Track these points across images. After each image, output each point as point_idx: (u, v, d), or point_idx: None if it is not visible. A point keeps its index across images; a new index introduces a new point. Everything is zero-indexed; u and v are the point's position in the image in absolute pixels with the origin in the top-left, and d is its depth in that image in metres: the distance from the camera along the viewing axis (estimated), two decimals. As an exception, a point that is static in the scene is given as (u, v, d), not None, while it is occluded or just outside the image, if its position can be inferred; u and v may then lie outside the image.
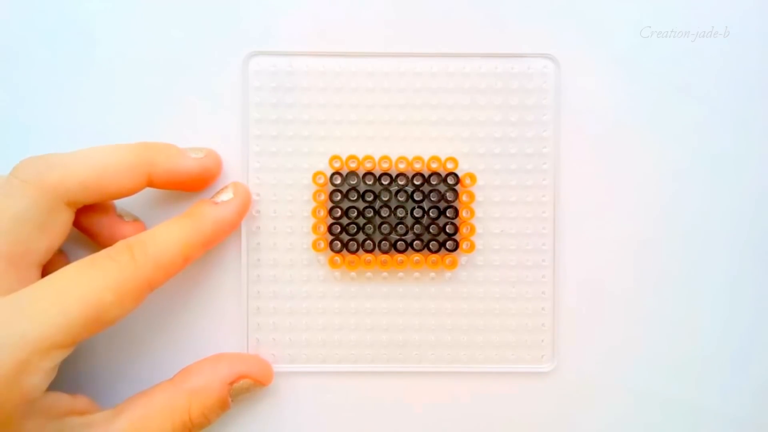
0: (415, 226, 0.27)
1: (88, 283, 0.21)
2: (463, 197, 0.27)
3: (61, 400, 0.23)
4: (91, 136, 0.27)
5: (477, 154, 0.27)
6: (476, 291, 0.27)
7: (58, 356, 0.21)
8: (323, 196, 0.27)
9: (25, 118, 0.27)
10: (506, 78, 0.27)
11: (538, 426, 0.27)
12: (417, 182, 0.27)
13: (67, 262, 0.26)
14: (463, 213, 0.27)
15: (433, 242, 0.27)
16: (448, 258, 0.27)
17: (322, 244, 0.27)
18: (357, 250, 0.27)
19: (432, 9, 0.27)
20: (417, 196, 0.27)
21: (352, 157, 0.27)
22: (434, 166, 0.27)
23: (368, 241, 0.27)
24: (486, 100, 0.27)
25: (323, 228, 0.27)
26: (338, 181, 0.27)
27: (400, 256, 0.27)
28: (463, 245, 0.27)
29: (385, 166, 0.27)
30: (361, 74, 0.27)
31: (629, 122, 0.27)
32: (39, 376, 0.20)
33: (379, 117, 0.27)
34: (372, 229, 0.27)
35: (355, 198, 0.27)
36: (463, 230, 0.27)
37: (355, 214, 0.26)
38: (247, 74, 0.27)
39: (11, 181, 0.22)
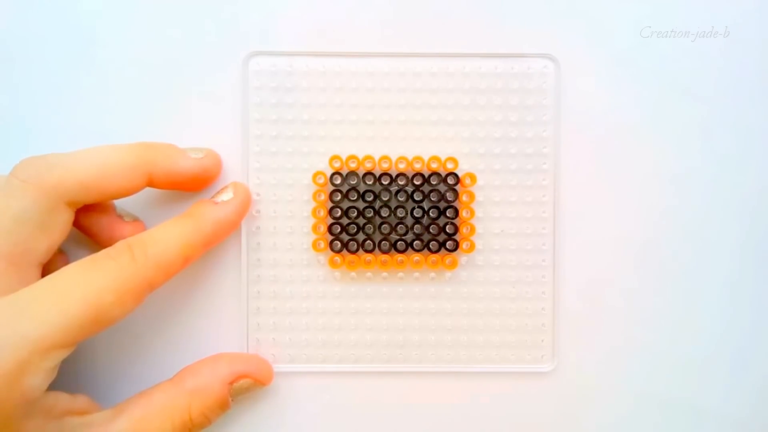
0: (415, 226, 0.27)
1: (89, 283, 0.21)
2: (463, 197, 0.27)
3: (61, 400, 0.22)
4: (91, 136, 0.27)
5: (477, 154, 0.27)
6: (476, 291, 0.27)
7: (59, 356, 0.21)
8: (323, 196, 0.27)
9: (25, 118, 0.27)
10: (506, 78, 0.27)
11: (538, 426, 0.27)
12: (417, 182, 0.27)
13: (67, 262, 0.26)
14: (463, 213, 0.27)
15: (433, 242, 0.27)
16: (448, 258, 0.27)
17: (322, 244, 0.27)
18: (357, 250, 0.27)
19: (432, 9, 0.27)
20: (417, 196, 0.27)
21: (352, 157, 0.27)
22: (434, 166, 0.27)
23: (368, 241, 0.27)
24: (486, 100, 0.27)
25: (323, 228, 0.27)
26: (338, 181, 0.27)
27: (400, 256, 0.27)
28: (463, 245, 0.27)
29: (385, 166, 0.27)
30: (361, 74, 0.27)
31: (629, 122, 0.27)
32: (39, 376, 0.20)
33: (379, 117, 0.27)
34: (372, 229, 0.27)
35: (355, 198, 0.27)
36: (463, 230, 0.27)
37: (355, 214, 0.26)
38: (247, 74, 0.27)
39: (11, 181, 0.22)
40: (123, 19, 0.27)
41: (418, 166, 0.27)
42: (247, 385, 0.26)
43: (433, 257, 0.27)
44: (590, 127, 0.27)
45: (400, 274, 0.27)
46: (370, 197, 0.26)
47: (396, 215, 0.27)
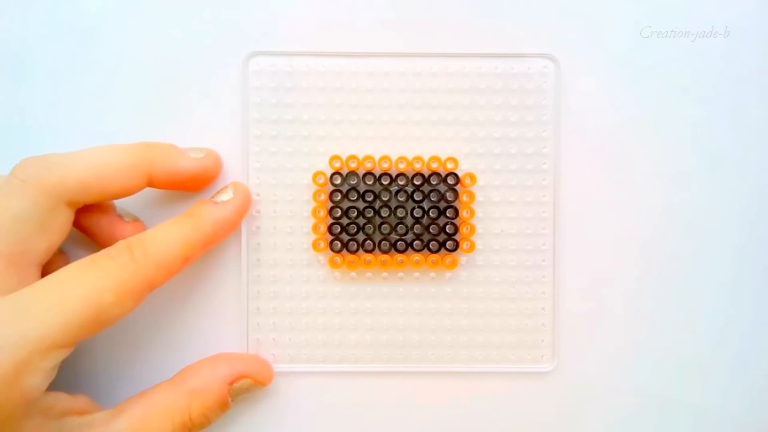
0: (415, 226, 0.27)
1: (88, 283, 0.21)
2: (463, 197, 0.27)
3: (61, 399, 0.22)
4: (91, 136, 0.27)
5: (477, 154, 0.27)
6: (476, 291, 0.27)
7: (58, 356, 0.21)
8: (323, 196, 0.27)
9: (25, 118, 0.27)
10: (506, 78, 0.27)
11: (538, 426, 0.27)
12: (417, 182, 0.27)
13: (67, 262, 0.25)
14: (463, 213, 0.27)
15: (433, 242, 0.27)
16: (448, 258, 0.27)
17: (322, 244, 0.27)
18: (357, 250, 0.27)
19: (432, 9, 0.27)
20: (417, 196, 0.27)
21: (352, 157, 0.27)
22: (434, 166, 0.27)
23: (368, 241, 0.27)
24: (486, 100, 0.27)
25: (323, 228, 0.27)
26: (338, 181, 0.27)
27: (400, 256, 0.27)
28: (463, 245, 0.27)
29: (385, 166, 0.27)
30: (361, 74, 0.27)
31: (629, 122, 0.27)
32: (39, 376, 0.20)
33: (379, 117, 0.27)
34: (372, 229, 0.27)
35: (355, 198, 0.27)
36: (463, 230, 0.27)
37: (355, 214, 0.26)
38: (247, 74, 0.27)
39: (11, 181, 0.22)
40: (123, 19, 0.27)
41: (418, 166, 0.27)
42: (247, 386, 0.26)
43: (433, 257, 0.27)
44: (590, 127, 0.27)
45: (400, 274, 0.27)
46: (370, 197, 0.26)
47: (396, 215, 0.27)
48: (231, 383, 0.25)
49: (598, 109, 0.27)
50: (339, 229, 0.26)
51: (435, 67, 0.27)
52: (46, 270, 0.23)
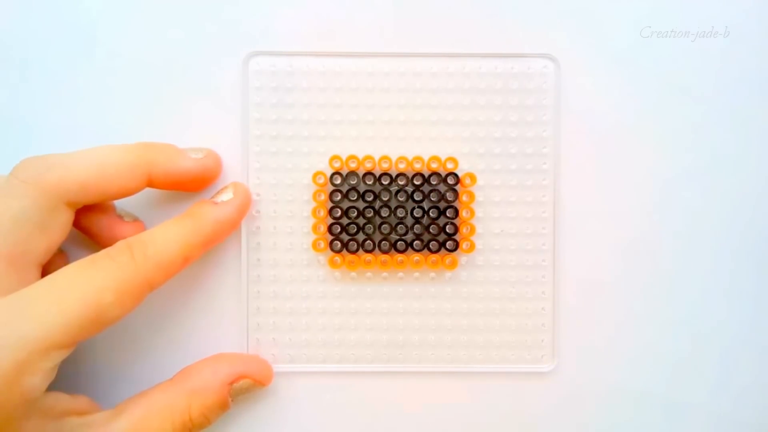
0: (415, 226, 0.27)
1: (88, 283, 0.21)
2: (463, 197, 0.27)
3: (61, 400, 0.23)
4: (91, 136, 0.27)
5: (477, 154, 0.27)
6: (476, 291, 0.27)
7: (58, 356, 0.21)
8: (323, 196, 0.27)
9: (25, 118, 0.27)
10: (506, 78, 0.27)
11: (538, 426, 0.27)
12: (417, 182, 0.27)
13: (67, 262, 0.26)
14: (463, 213, 0.27)
15: (433, 242, 0.27)
16: (448, 258, 0.27)
17: (322, 244, 0.27)
18: (357, 250, 0.27)
19: (432, 9, 0.27)
20: (417, 196, 0.27)
21: (352, 157, 0.27)
22: (434, 166, 0.27)
23: (368, 241, 0.27)
24: (486, 100, 0.27)
25: (323, 228, 0.27)
26: (338, 181, 0.27)
27: (400, 256, 0.27)
28: (463, 245, 0.27)
29: (385, 166, 0.27)
30: (361, 74, 0.27)
31: (629, 122, 0.27)
32: (39, 377, 0.20)
33: (379, 117, 0.27)
34: (372, 229, 0.27)
35: (355, 198, 0.27)
36: (463, 230, 0.27)
37: (355, 214, 0.26)
38: (247, 74, 0.27)
39: (11, 181, 0.22)
40: (123, 19, 0.27)
41: (418, 166, 0.27)
42: (247, 386, 0.26)
43: (433, 257, 0.27)
44: (590, 127, 0.27)
45: (400, 274, 0.27)
46: (370, 197, 0.26)
47: (396, 215, 0.27)
48: (231, 383, 0.25)
49: (598, 109, 0.27)
50: (339, 229, 0.26)
51: (435, 67, 0.27)
52: (46, 270, 0.23)
